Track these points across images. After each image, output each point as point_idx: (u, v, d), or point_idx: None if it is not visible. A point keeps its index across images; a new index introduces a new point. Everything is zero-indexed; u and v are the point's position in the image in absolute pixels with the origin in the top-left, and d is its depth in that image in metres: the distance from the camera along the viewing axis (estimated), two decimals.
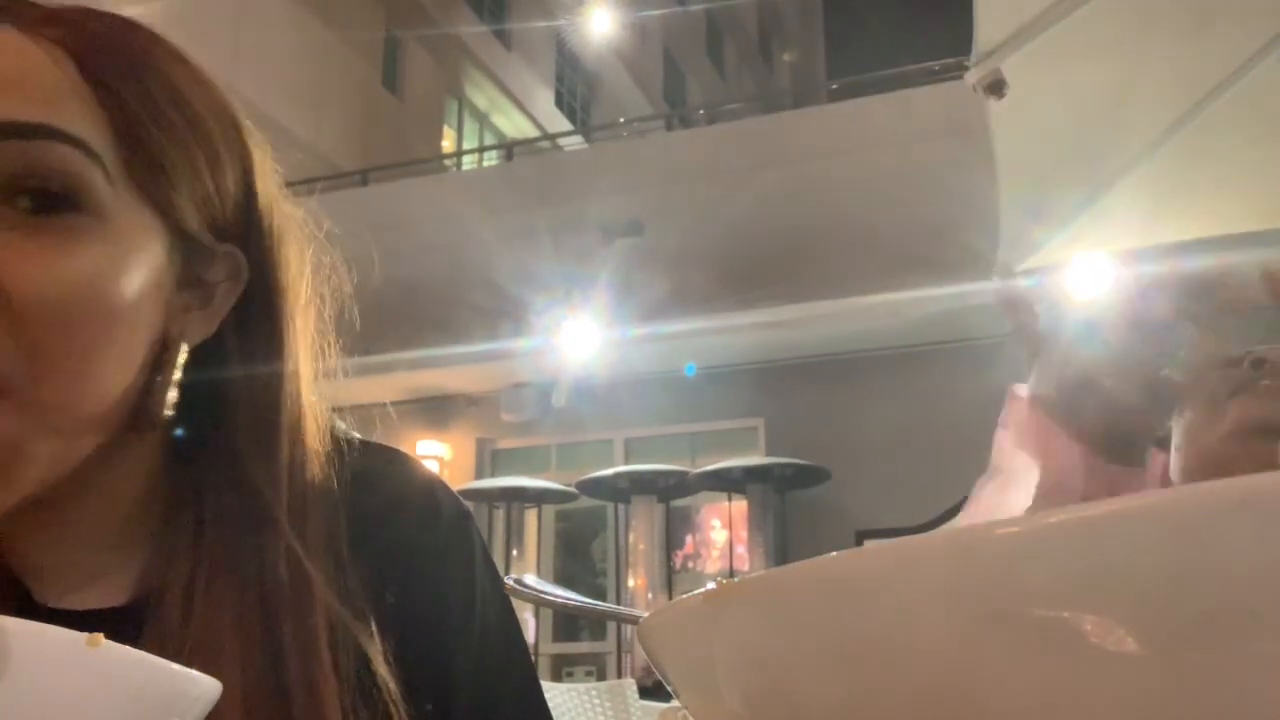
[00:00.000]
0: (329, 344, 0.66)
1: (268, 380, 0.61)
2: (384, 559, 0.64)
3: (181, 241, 0.58)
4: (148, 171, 0.55)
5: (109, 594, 0.60)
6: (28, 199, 0.51)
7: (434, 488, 0.69)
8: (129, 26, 0.58)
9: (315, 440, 0.63)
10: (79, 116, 0.53)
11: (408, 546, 0.66)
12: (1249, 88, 2.54)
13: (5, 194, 0.50)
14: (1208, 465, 0.91)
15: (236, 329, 0.61)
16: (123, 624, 0.55)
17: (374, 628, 0.60)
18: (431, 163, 12.25)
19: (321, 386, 0.65)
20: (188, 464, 0.61)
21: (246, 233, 0.61)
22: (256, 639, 0.57)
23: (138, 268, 0.55)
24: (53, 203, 0.51)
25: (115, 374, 0.54)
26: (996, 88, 2.35)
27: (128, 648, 0.38)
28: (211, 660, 0.54)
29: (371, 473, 0.67)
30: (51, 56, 0.53)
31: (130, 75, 0.56)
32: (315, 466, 0.63)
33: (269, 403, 0.61)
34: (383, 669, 0.59)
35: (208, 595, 0.57)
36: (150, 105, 0.56)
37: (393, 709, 0.59)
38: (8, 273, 0.49)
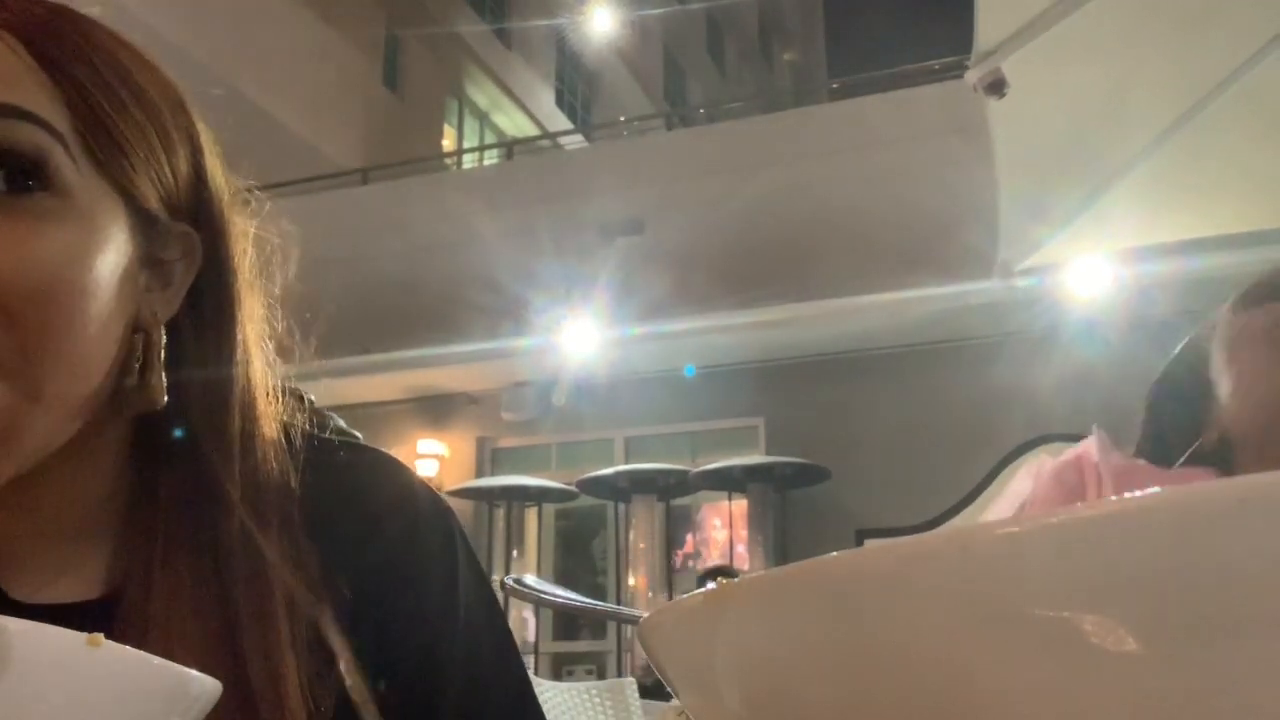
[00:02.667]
0: (276, 321, 0.66)
1: (220, 357, 0.62)
2: (365, 560, 0.64)
3: (141, 221, 0.58)
4: (107, 151, 0.55)
5: (80, 587, 0.60)
6: None
7: (415, 489, 0.70)
8: (71, 12, 0.58)
9: (268, 417, 0.64)
10: (38, 98, 0.53)
11: (389, 548, 0.66)
12: (1249, 87, 2.54)
13: None
14: None
15: (189, 307, 0.62)
16: (95, 617, 0.55)
17: (330, 605, 0.61)
18: (432, 161, 12.24)
19: (273, 364, 0.66)
20: (146, 449, 0.61)
21: (198, 211, 0.62)
22: (213, 618, 0.57)
23: (106, 247, 0.55)
24: (21, 184, 0.52)
25: (97, 352, 0.55)
26: (996, 87, 2.35)
27: (128, 648, 0.38)
28: (169, 642, 0.55)
29: (354, 474, 0.68)
30: (3, 41, 0.54)
31: (80, 57, 0.56)
32: (268, 445, 0.63)
33: (222, 380, 0.61)
34: (337, 643, 0.59)
35: (165, 578, 0.58)
36: (103, 86, 0.56)
37: (351, 689, 0.59)
38: None
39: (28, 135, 0.52)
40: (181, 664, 0.46)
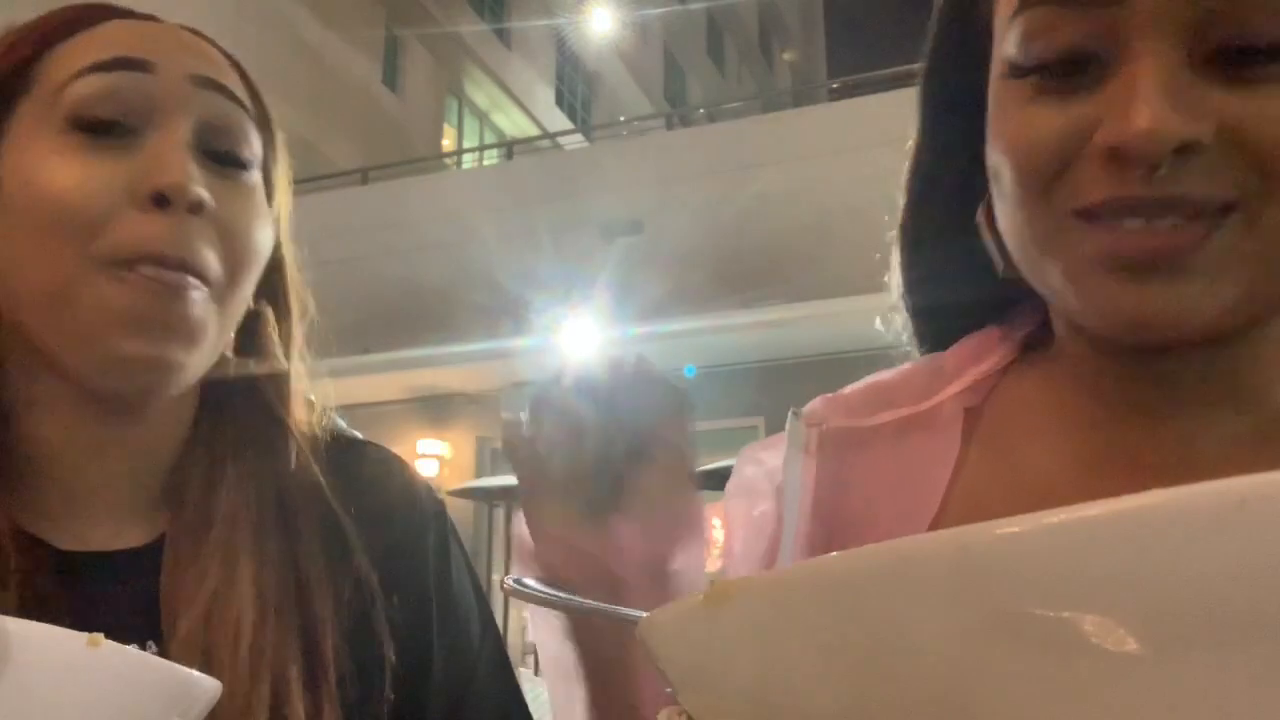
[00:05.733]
0: (311, 329, 0.78)
1: (284, 336, 0.74)
2: (371, 548, 0.71)
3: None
4: (267, 162, 0.71)
5: (139, 534, 0.68)
6: (222, 156, 0.66)
7: (417, 485, 0.78)
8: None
9: (302, 406, 0.74)
10: (255, 110, 0.70)
11: (392, 539, 0.73)
12: None
13: (204, 146, 0.66)
14: None
15: (264, 301, 0.74)
16: (152, 559, 0.66)
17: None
18: (431, 161, 12.25)
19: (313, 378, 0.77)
20: (212, 406, 0.72)
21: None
22: (270, 531, 0.68)
23: (270, 226, 0.70)
24: (239, 163, 0.67)
25: (247, 302, 0.69)
26: None
27: (128, 648, 0.38)
28: (228, 554, 0.65)
29: (361, 467, 0.75)
30: (233, 65, 0.71)
31: (257, 92, 0.72)
32: (304, 424, 0.74)
33: (284, 353, 0.73)
34: (368, 576, 0.69)
35: (225, 491, 0.68)
36: (269, 119, 0.72)
37: (372, 612, 0.68)
38: (223, 208, 0.65)
39: (253, 133, 0.69)
40: (242, 578, 0.63)
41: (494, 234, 7.48)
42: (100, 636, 0.36)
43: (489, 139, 15.68)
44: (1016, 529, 0.23)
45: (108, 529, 0.66)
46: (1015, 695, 0.23)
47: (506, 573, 0.60)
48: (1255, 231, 0.47)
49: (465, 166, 12.65)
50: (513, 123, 16.09)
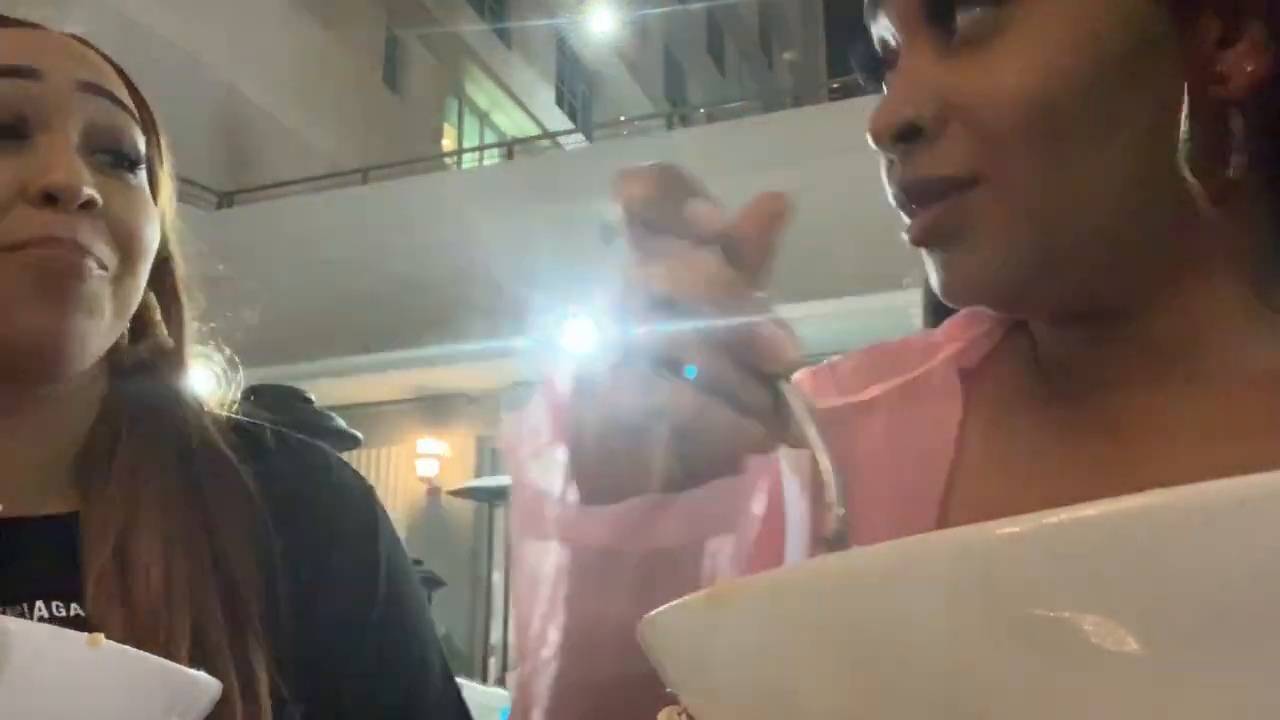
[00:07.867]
0: (206, 320, 0.84)
1: (176, 326, 0.79)
2: (294, 526, 0.74)
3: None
4: (151, 162, 0.75)
5: (59, 504, 0.71)
6: (109, 157, 0.71)
7: (336, 464, 0.82)
8: None
9: (204, 386, 0.80)
10: (133, 108, 0.75)
11: (316, 515, 0.77)
12: None
13: (92, 147, 0.70)
14: None
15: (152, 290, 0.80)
16: (71, 529, 0.68)
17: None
18: (432, 161, 12.23)
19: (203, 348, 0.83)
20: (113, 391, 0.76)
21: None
22: (174, 481, 0.71)
23: (156, 221, 0.75)
24: (126, 163, 0.72)
25: (142, 288, 0.73)
26: None
27: (128, 647, 0.38)
28: (130, 499, 0.69)
29: (282, 453, 0.79)
30: (109, 63, 0.75)
31: (142, 97, 0.77)
32: (209, 401, 0.80)
33: (178, 340, 0.79)
34: (270, 530, 0.72)
35: (125, 452, 0.72)
36: (155, 122, 0.78)
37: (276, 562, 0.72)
38: (112, 205, 0.69)
39: (136, 132, 0.74)
40: (146, 518, 0.66)
41: (494, 234, 7.47)
42: (100, 636, 0.36)
43: (489, 139, 15.66)
44: (1016, 529, 0.23)
45: (24, 502, 0.69)
46: (1015, 695, 0.23)
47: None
48: (1002, 197, 0.51)
49: (465, 166, 12.64)
50: (513, 123, 16.08)
